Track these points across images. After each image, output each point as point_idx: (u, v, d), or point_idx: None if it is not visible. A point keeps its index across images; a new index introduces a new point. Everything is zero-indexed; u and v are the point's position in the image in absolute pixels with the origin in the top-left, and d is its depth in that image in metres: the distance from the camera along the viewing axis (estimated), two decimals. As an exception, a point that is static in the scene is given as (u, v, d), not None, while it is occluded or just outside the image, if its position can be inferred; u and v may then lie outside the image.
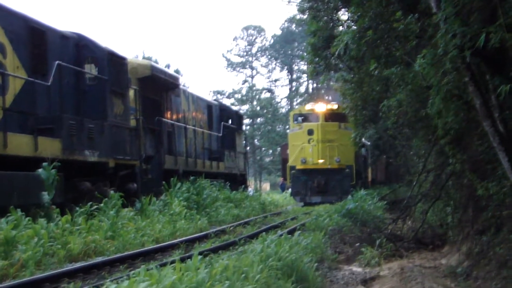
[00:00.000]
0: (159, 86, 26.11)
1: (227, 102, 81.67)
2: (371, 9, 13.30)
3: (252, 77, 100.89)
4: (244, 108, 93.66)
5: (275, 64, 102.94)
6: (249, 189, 42.57)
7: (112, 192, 18.26)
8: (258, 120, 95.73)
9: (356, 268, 13.35)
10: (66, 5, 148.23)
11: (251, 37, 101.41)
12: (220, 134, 34.39)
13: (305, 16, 26.01)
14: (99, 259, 13.40)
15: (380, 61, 14.23)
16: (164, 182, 23.50)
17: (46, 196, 15.22)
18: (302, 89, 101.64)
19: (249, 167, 60.25)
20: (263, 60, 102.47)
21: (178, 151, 27.28)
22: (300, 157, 38.61)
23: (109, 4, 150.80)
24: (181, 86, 30.20)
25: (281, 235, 13.28)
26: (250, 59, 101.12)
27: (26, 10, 17.56)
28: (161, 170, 25.07)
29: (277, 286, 9.13)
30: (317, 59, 22.59)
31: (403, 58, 13.43)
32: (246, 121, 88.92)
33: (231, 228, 20.57)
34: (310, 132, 38.91)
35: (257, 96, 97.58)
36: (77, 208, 16.26)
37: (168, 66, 70.29)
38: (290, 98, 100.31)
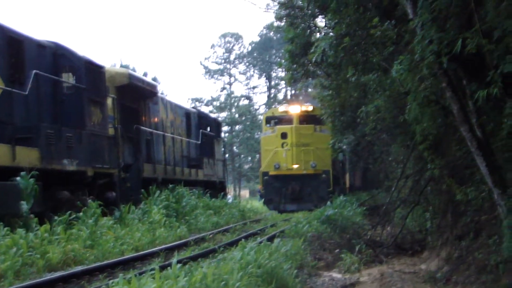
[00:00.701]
0: (137, 94, 26.07)
1: (205, 109, 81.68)
2: (348, 16, 13.36)
3: (230, 84, 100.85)
4: (222, 115, 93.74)
5: (253, 71, 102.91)
6: (228, 196, 42.29)
7: (90, 201, 18.17)
8: (237, 127, 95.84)
9: (336, 275, 13.35)
10: (43, 14, 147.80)
11: (228, 44, 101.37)
12: (199, 142, 34.36)
13: (282, 23, 26.10)
14: (79, 268, 13.32)
15: (358, 67, 14.30)
16: (143, 190, 23.45)
17: (24, 206, 15.11)
18: (280, 96, 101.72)
19: (228, 175, 60.19)
20: (241, 67, 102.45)
21: (157, 159, 27.23)
22: (273, 162, 36.60)
23: (86, 12, 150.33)
24: (159, 94, 30.22)
25: (260, 242, 13.30)
26: (228, 66, 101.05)
27: (2, 20, 17.47)
28: (140, 178, 24.99)
29: (257, 293, 9.13)
30: (294, 66, 22.69)
31: (380, 65, 13.49)
32: (225, 128, 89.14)
33: (211, 235, 20.52)
34: (284, 136, 37.00)
35: (236, 103, 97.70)
36: (56, 217, 16.15)
37: (145, 74, 70.25)
38: (269, 105, 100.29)
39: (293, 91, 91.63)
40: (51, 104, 18.68)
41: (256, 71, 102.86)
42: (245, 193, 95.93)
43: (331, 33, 16.17)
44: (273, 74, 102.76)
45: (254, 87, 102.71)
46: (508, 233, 8.31)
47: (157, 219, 20.54)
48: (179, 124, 32.41)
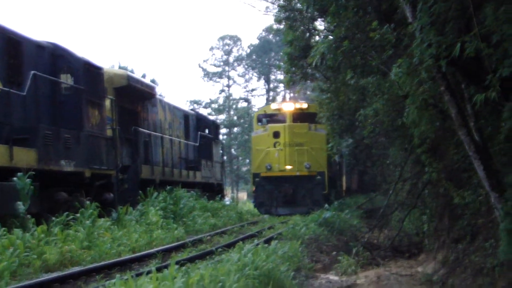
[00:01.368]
0: (135, 96, 26.05)
1: (204, 111, 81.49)
2: (347, 19, 13.37)
3: (229, 86, 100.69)
4: (221, 117, 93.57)
5: (252, 73, 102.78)
6: (226, 198, 42.14)
7: (88, 202, 18.16)
8: (235, 129, 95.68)
9: (333, 277, 13.36)
10: (41, 15, 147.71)
11: (227, 47, 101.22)
12: (197, 144, 34.30)
13: (281, 26, 26.08)
14: (75, 269, 13.32)
15: (357, 70, 14.29)
16: (140, 191, 23.42)
17: (21, 206, 15.12)
18: (279, 98, 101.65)
19: (226, 177, 60.14)
20: (240, 69, 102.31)
21: (155, 161, 27.21)
22: (265, 163, 34.49)
23: (85, 13, 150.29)
24: (157, 96, 30.18)
25: (258, 244, 13.30)
26: (227, 68, 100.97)
27: (1, 20, 17.47)
28: (138, 179, 24.96)
29: (254, 295, 9.14)
30: (293, 68, 22.68)
31: (379, 68, 13.48)
32: (223, 130, 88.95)
33: (208, 237, 20.51)
34: (276, 135, 34.74)
35: (234, 106, 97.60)
36: (53, 218, 16.15)
37: (144, 75, 70.25)
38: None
39: (292, 94, 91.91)
40: (49, 105, 18.65)
41: (254, 73, 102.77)
42: (243, 195, 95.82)
43: (330, 36, 16.20)
44: (272, 77, 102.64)
45: (252, 90, 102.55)
46: (505, 237, 8.33)
47: (155, 221, 20.53)
48: (177, 126, 32.37)
